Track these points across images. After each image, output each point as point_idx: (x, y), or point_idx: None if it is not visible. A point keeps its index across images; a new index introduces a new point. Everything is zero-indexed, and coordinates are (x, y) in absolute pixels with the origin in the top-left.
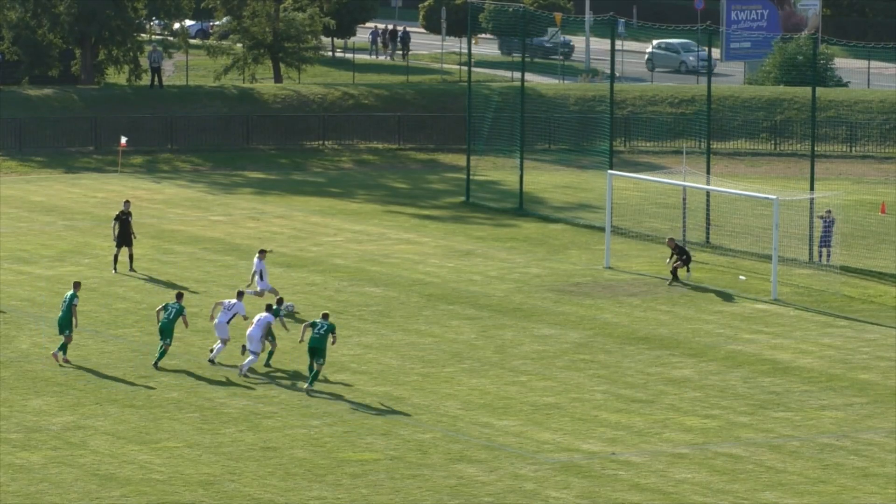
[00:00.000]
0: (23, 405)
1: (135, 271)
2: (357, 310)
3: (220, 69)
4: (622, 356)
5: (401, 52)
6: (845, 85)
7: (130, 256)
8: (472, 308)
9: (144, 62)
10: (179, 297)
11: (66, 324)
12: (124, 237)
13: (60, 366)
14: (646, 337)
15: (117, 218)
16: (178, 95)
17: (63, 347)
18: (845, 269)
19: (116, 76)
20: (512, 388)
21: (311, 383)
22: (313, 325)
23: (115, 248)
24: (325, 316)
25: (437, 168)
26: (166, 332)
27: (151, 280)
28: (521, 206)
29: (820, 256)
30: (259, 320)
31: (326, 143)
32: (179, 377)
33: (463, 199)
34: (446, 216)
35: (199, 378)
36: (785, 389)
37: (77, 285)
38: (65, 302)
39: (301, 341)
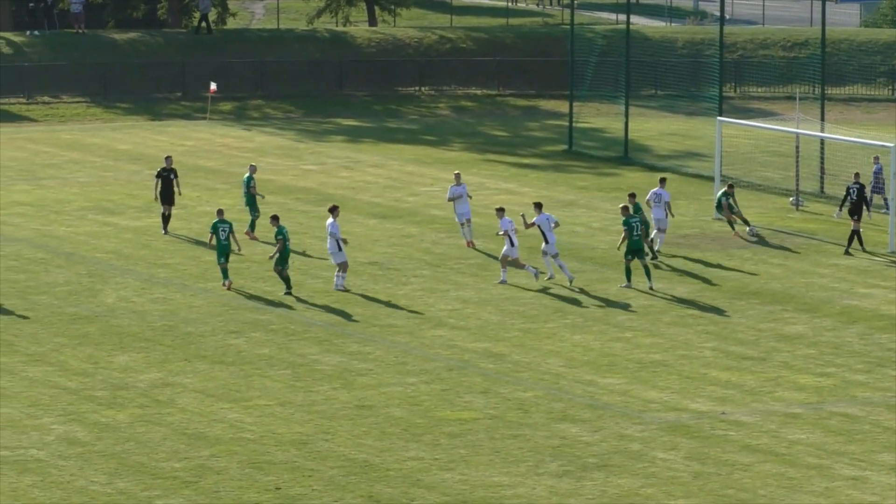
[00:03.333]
0: (109, 362)
1: (167, 234)
2: (455, 263)
3: (313, 12)
4: (732, 311)
5: None
6: None
7: (168, 217)
8: (575, 261)
9: (233, 5)
10: (220, 213)
11: (226, 252)
12: (166, 195)
13: (228, 290)
14: (757, 291)
15: (159, 175)
16: (269, 40)
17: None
18: None
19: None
20: (617, 345)
21: (650, 279)
22: (629, 227)
23: (161, 207)
24: (634, 201)
25: (537, 115)
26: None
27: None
28: (626, 155)
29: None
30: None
31: (422, 89)
32: (271, 332)
33: (565, 147)
34: (547, 165)
35: (291, 334)
36: None
37: (220, 212)
38: (224, 231)
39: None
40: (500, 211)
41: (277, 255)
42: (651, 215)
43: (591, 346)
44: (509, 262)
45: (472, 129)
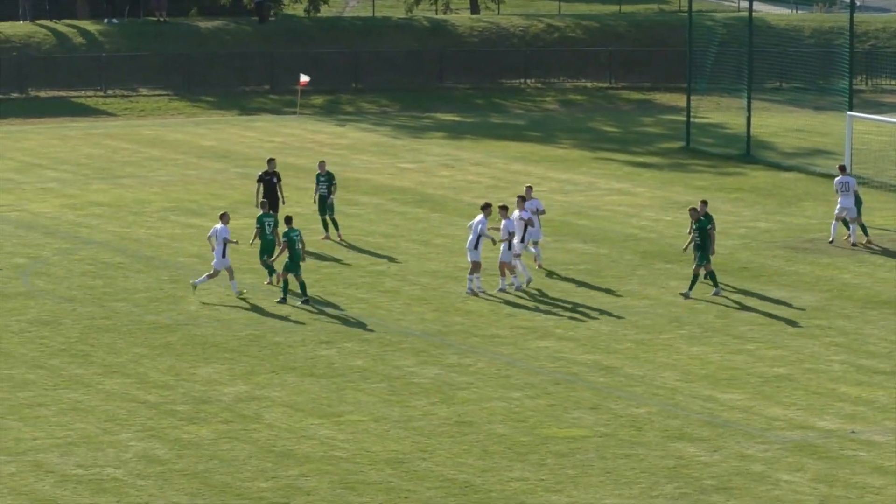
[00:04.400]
0: (191, 374)
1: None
2: (563, 268)
3: None
4: (864, 322)
5: None
6: None
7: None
8: (692, 265)
9: None
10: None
11: (270, 248)
12: (270, 201)
13: (276, 284)
14: (890, 300)
15: (260, 179)
16: (364, 29)
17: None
18: None
19: (294, 7)
20: (738, 358)
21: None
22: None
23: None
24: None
25: (652, 109)
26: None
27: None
28: (749, 152)
29: None
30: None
31: (528, 81)
32: (364, 343)
33: (682, 144)
34: (663, 163)
35: (386, 344)
36: None
37: (264, 205)
38: (269, 225)
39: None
40: (503, 209)
41: (280, 257)
42: (838, 204)
43: (709, 359)
44: (509, 268)
45: (581, 125)
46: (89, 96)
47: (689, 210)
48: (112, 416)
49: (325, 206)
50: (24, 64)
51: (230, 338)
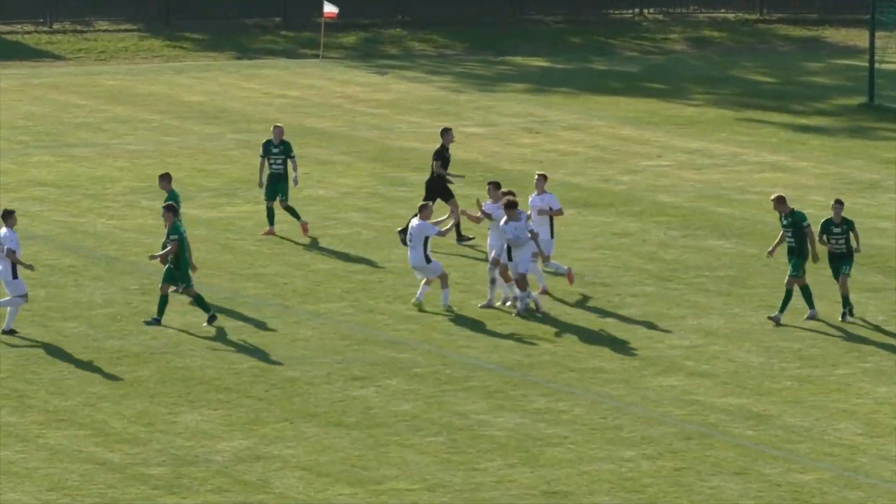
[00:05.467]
0: (170, 423)
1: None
2: (695, 275)
3: None
4: None
5: None
6: None
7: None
8: (877, 273)
9: None
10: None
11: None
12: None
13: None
14: None
15: (439, 156)
16: None
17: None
18: None
19: None
20: None
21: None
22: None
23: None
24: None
25: (821, 51)
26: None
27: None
28: None
29: None
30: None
31: (645, 11)
32: (414, 380)
33: (864, 99)
34: (837, 127)
35: (445, 381)
36: None
37: (166, 178)
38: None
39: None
40: (512, 207)
41: (169, 263)
42: None
43: None
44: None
45: (720, 73)
46: (28, 32)
47: (774, 199)
48: (57, 482)
49: (275, 187)
50: None
51: (226, 371)
